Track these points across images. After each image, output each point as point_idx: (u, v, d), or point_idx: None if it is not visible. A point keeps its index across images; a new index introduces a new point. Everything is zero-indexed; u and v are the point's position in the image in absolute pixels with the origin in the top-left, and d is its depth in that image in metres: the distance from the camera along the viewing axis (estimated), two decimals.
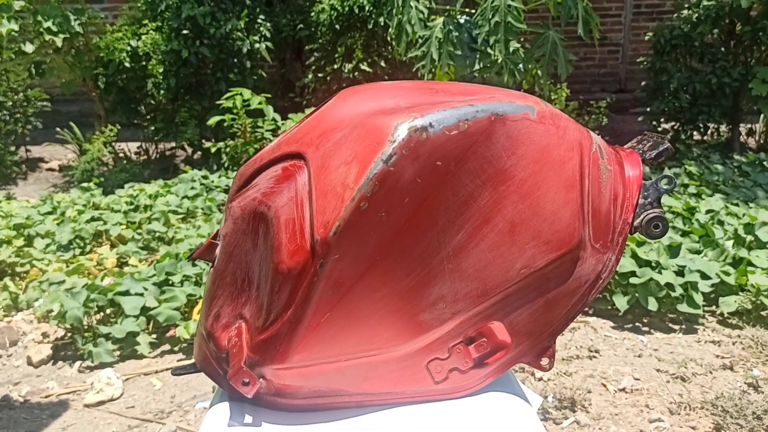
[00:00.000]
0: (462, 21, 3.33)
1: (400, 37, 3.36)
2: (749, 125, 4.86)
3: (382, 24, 4.36)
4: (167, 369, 2.20)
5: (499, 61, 3.13)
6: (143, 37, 4.52)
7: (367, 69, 4.57)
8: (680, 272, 2.41)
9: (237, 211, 0.68)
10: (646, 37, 5.04)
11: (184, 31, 4.35)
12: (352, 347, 0.64)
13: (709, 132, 4.73)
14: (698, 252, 2.65)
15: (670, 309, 2.38)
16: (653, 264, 2.41)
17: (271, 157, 0.68)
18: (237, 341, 0.66)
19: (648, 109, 4.86)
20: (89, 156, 4.44)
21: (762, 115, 4.61)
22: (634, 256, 2.44)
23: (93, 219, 3.28)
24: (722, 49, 4.52)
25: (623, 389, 2.00)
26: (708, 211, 3.05)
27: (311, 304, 0.61)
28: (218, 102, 4.14)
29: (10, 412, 2.02)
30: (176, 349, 2.30)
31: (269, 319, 0.63)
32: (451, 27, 3.25)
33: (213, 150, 4.15)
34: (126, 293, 2.39)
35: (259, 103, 4.00)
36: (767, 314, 2.37)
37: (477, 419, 0.66)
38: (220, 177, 3.95)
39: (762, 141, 4.77)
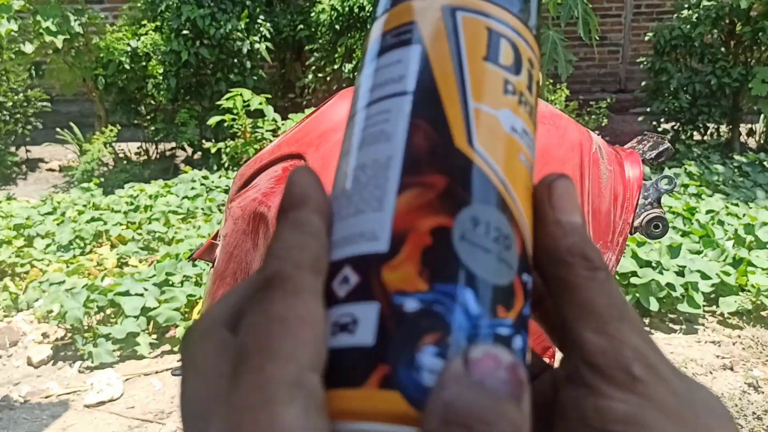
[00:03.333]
0: None
1: None
2: (749, 125, 4.86)
3: None
4: (167, 369, 2.20)
5: None
6: (143, 37, 4.52)
7: None
8: (680, 272, 2.41)
9: (237, 212, 0.68)
10: (646, 38, 5.04)
11: (184, 32, 4.36)
12: None
13: (709, 132, 4.73)
14: (698, 252, 2.65)
15: (671, 309, 2.38)
16: (654, 264, 2.41)
17: (271, 158, 0.68)
18: None
19: (648, 110, 4.86)
20: (89, 156, 4.44)
21: (762, 115, 4.61)
22: (635, 256, 2.44)
23: (93, 219, 3.28)
24: (722, 49, 4.52)
25: None
26: (708, 212, 3.05)
27: None
28: (218, 102, 4.14)
29: (10, 412, 2.02)
30: (176, 349, 2.30)
31: None
32: None
33: (213, 150, 4.15)
34: (126, 293, 2.39)
35: (259, 104, 4.00)
36: (767, 314, 2.37)
37: None
38: (220, 177, 3.95)
39: (762, 141, 4.77)
